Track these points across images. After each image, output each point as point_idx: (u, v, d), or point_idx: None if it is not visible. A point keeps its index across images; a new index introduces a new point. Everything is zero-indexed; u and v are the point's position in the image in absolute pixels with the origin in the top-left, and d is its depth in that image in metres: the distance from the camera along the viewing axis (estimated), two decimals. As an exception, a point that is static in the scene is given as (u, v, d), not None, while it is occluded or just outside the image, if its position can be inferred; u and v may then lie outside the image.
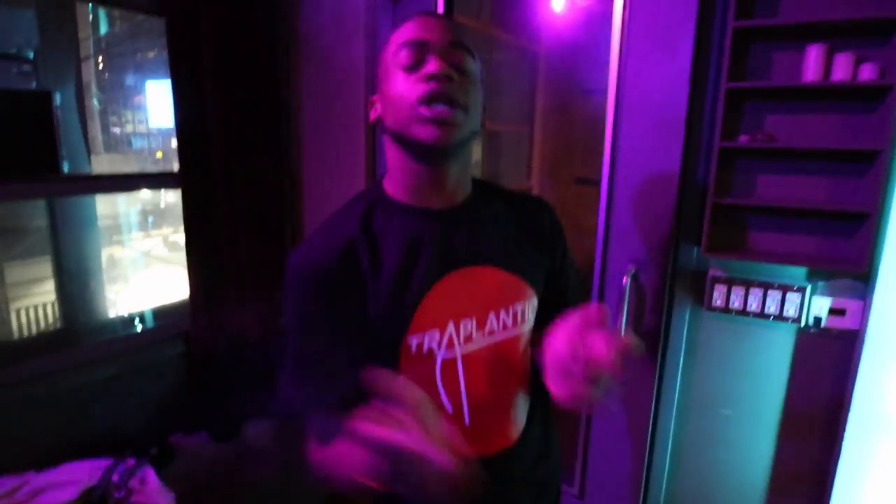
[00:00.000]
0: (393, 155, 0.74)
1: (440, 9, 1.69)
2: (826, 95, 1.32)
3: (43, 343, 1.77)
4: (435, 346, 0.70)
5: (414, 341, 0.70)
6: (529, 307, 0.77)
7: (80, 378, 1.60)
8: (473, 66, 0.72)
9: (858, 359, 1.34)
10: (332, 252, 0.70)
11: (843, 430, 1.38)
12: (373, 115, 0.75)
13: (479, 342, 0.73)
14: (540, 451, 0.85)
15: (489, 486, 0.63)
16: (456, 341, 0.71)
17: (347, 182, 1.93)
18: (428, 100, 0.66)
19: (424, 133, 0.66)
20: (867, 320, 1.32)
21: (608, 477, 1.68)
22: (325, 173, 1.99)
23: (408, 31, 0.70)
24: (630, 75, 1.44)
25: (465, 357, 0.72)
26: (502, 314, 0.74)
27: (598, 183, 1.54)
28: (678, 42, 1.37)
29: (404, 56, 0.69)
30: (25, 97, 1.57)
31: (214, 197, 1.75)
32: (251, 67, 1.79)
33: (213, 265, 1.78)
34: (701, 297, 1.51)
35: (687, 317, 1.54)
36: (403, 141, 0.70)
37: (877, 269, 1.29)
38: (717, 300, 1.48)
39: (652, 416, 1.59)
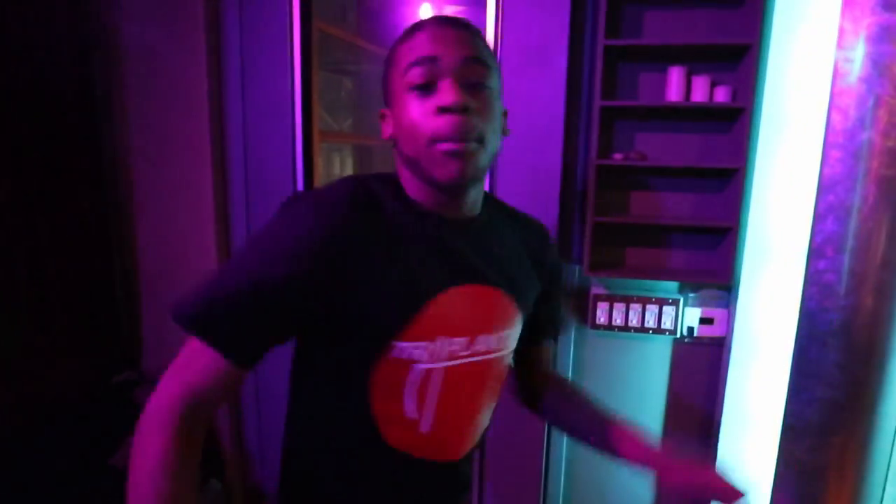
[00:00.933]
0: (408, 172, 0.66)
1: (296, 12, 1.49)
2: (688, 115, 1.37)
3: None
4: (417, 356, 0.65)
5: (399, 347, 0.64)
6: (515, 332, 0.75)
7: None
8: (494, 80, 0.64)
9: (727, 363, 1.42)
10: (352, 222, 0.61)
11: (718, 428, 1.45)
12: (385, 133, 0.68)
13: (463, 360, 0.69)
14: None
15: (435, 482, 0.73)
16: (442, 355, 0.67)
17: (191, 206, 1.63)
18: (444, 139, 0.59)
19: (441, 173, 0.60)
20: (732, 327, 1.40)
21: (507, 495, 1.61)
22: (164, 200, 1.66)
23: (418, 46, 0.61)
24: (505, 91, 1.37)
25: (446, 370, 0.67)
26: (491, 337, 0.71)
27: None
28: (553, 57, 1.33)
29: (414, 75, 0.60)
30: None
31: (10, 242, 1.36)
32: (56, 77, 1.42)
33: (10, 315, 1.38)
34: (585, 315, 1.50)
35: (573, 336, 1.53)
36: (418, 170, 0.63)
37: (738, 279, 1.37)
38: (601, 317, 1.48)
39: (545, 437, 1.55)
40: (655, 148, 1.41)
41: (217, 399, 0.60)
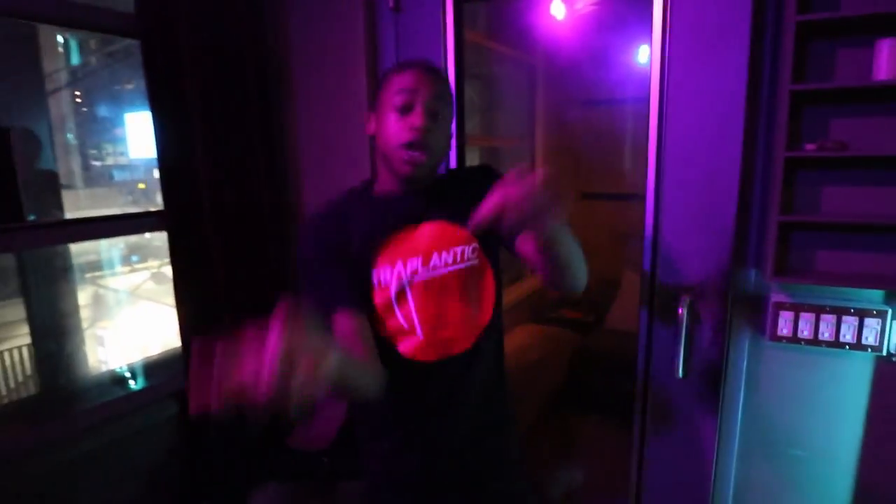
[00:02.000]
0: (381, 163, 0.99)
1: (449, 22, 1.53)
2: (902, 95, 1.16)
3: (19, 413, 1.55)
4: (386, 279, 0.96)
5: (375, 277, 0.96)
6: (470, 248, 0.99)
7: (64, 453, 1.39)
8: (448, 110, 0.96)
9: (952, 390, 1.18)
10: (329, 220, 1.02)
11: (936, 470, 1.22)
12: (369, 130, 0.98)
13: (425, 275, 0.97)
14: (491, 379, 1.07)
15: (447, 384, 1.01)
16: (405, 276, 0.96)
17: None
18: (409, 146, 0.91)
19: (402, 169, 0.93)
20: (962, 347, 1.16)
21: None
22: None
23: (405, 79, 0.92)
24: (675, 80, 1.28)
25: (412, 286, 0.96)
26: (444, 254, 0.97)
27: (606, 197, 1.38)
28: (731, 40, 1.21)
29: (399, 100, 0.91)
30: (-18, 136, 1.37)
31: (205, 237, 1.56)
32: (239, 90, 1.61)
33: (206, 314, 1.57)
34: (761, 325, 1.35)
35: (747, 348, 1.38)
36: (387, 164, 0.96)
37: (972, 289, 1.13)
38: (783, 329, 1.31)
39: (715, 459, 1.41)
40: (856, 136, 1.21)
41: (368, 337, 0.95)
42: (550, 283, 0.92)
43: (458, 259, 0.98)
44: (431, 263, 0.97)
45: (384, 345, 0.96)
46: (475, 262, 1.00)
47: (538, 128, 3.48)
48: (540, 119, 3.46)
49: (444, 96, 0.94)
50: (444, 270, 0.98)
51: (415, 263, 0.96)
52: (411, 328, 0.97)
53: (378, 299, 0.95)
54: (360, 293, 0.95)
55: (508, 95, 3.36)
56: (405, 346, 0.98)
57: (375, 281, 0.95)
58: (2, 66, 1.52)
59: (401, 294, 0.96)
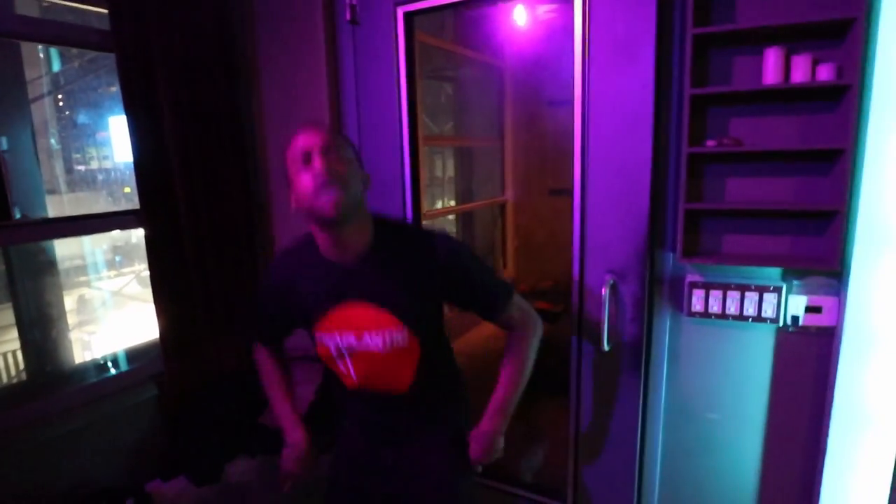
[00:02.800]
0: (311, 226, 1.08)
1: (400, 32, 1.67)
2: (787, 97, 1.33)
3: (8, 397, 1.68)
4: (327, 343, 1.13)
5: (317, 336, 1.14)
6: (397, 335, 1.10)
7: (49, 431, 1.53)
8: (347, 152, 1.04)
9: (837, 355, 1.35)
10: (273, 289, 1.19)
11: (828, 426, 1.39)
12: (293, 206, 1.05)
13: (359, 347, 1.12)
14: (428, 412, 1.26)
15: (386, 419, 1.24)
16: (341, 345, 1.12)
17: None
18: (319, 189, 0.98)
19: (323, 212, 0.99)
20: (843, 316, 1.33)
21: (600, 489, 1.66)
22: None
23: (297, 143, 1.02)
24: (595, 85, 1.44)
25: (350, 354, 1.13)
26: (374, 335, 1.10)
27: (571, 193, 1.54)
28: (640, 50, 1.37)
29: (299, 158, 1.01)
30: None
31: (180, 232, 1.70)
32: (210, 97, 1.75)
33: (182, 303, 1.71)
34: (680, 303, 1.51)
35: (668, 324, 1.54)
36: (312, 216, 1.02)
37: (849, 266, 1.30)
38: (697, 305, 1.48)
39: (640, 425, 1.57)
40: (752, 133, 1.38)
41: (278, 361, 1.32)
42: None
43: (387, 342, 1.10)
44: (364, 340, 1.11)
45: (333, 376, 1.21)
46: (402, 344, 1.11)
47: (507, 127, 3.64)
48: (509, 119, 3.62)
49: (337, 140, 1.02)
50: (373, 349, 1.11)
51: (349, 338, 1.11)
52: (349, 376, 1.16)
53: (321, 350, 1.15)
54: (285, 330, 1.26)
55: (479, 97, 3.51)
56: (348, 382, 1.18)
57: (318, 338, 1.13)
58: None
59: (339, 354, 1.14)
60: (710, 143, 1.37)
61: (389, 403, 1.21)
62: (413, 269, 1.10)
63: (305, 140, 1.01)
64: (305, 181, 0.99)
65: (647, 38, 1.36)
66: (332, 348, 1.13)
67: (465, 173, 3.59)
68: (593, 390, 1.61)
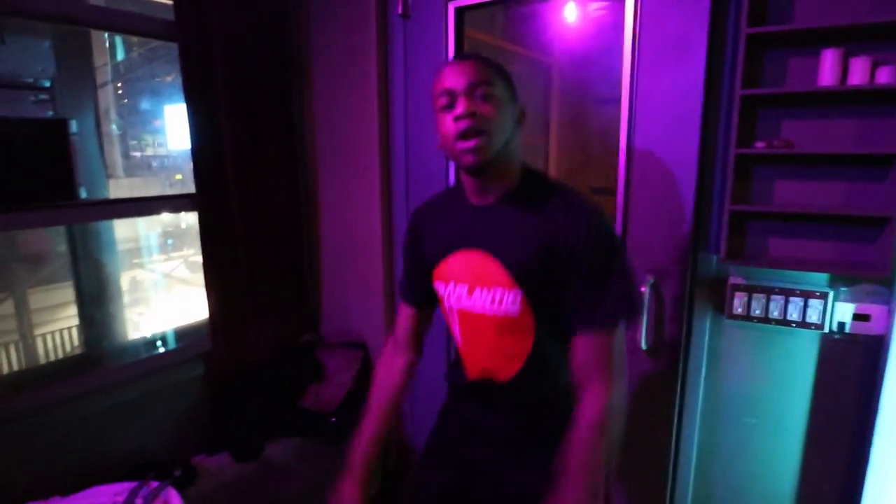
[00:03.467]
0: (457, 170, 1.01)
1: (450, 27, 1.70)
2: (843, 100, 1.31)
3: (66, 368, 1.79)
4: (441, 292, 1.04)
5: (436, 284, 1.06)
6: (508, 297, 0.96)
7: (102, 402, 1.62)
8: (497, 89, 0.92)
9: (885, 364, 1.32)
10: (420, 213, 1.14)
11: (872, 437, 1.36)
12: (438, 145, 0.98)
13: (468, 305, 1.00)
14: (531, 421, 1.05)
15: (474, 405, 1.09)
16: (453, 296, 1.02)
17: (364, 197, 1.94)
18: (460, 136, 0.90)
19: (464, 160, 0.92)
20: (893, 325, 1.30)
21: (632, 489, 1.66)
22: (340, 189, 2.00)
23: (441, 81, 0.93)
24: (643, 84, 1.44)
25: (458, 310, 1.03)
26: (484, 291, 0.97)
27: (614, 192, 1.54)
28: (691, 49, 1.36)
29: (441, 102, 0.93)
30: (42, 125, 1.60)
31: (231, 217, 1.77)
32: (264, 87, 1.81)
33: (230, 285, 1.79)
34: (721, 305, 1.50)
35: (708, 325, 1.53)
36: (456, 163, 0.96)
37: (902, 274, 1.27)
38: (738, 308, 1.47)
39: (675, 426, 1.57)
40: (805, 136, 1.36)
41: (413, 329, 1.17)
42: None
43: (497, 302, 0.96)
44: (473, 296, 0.98)
45: (452, 335, 1.09)
46: (514, 312, 0.95)
47: (553, 125, 3.63)
48: (554, 116, 3.62)
49: (488, 78, 0.91)
50: (481, 310, 0.98)
51: (461, 290, 1.00)
52: (457, 338, 1.06)
53: (440, 303, 1.06)
54: (427, 287, 1.08)
55: (525, 94, 3.50)
56: (458, 347, 1.08)
57: (435, 287, 1.05)
58: (60, 62, 1.74)
59: (450, 309, 1.03)
60: (760, 144, 1.36)
61: (489, 393, 1.04)
62: (544, 225, 0.93)
63: (450, 79, 0.91)
64: (448, 125, 0.91)
65: (699, 37, 1.35)
66: (445, 300, 1.03)
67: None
68: (629, 388, 1.61)
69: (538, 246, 0.93)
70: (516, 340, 0.98)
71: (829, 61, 1.28)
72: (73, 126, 1.56)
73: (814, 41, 1.31)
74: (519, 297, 0.95)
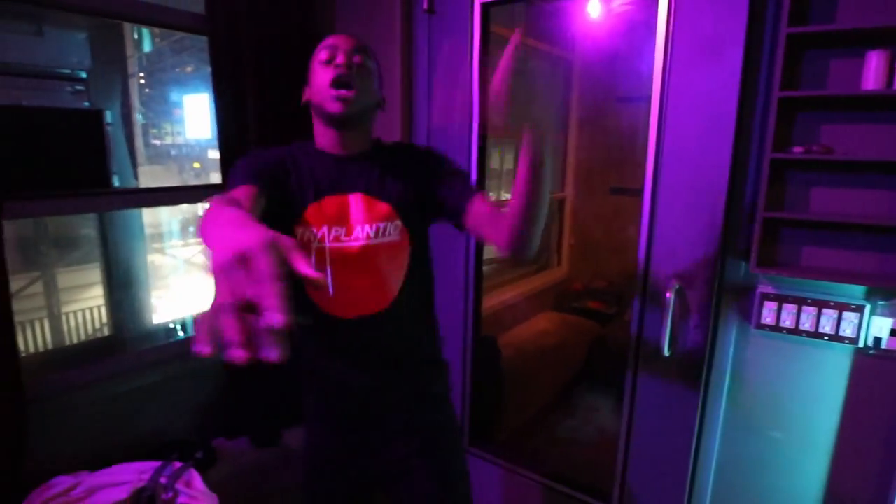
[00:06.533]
0: (316, 123, 1.09)
1: (476, 23, 1.68)
2: (888, 105, 1.24)
3: (94, 350, 1.85)
4: (308, 238, 1.03)
5: (298, 230, 1.04)
6: (392, 226, 1.06)
7: (128, 383, 1.67)
8: (371, 63, 1.07)
9: (923, 383, 1.26)
10: (270, 155, 1.08)
11: (906, 457, 1.30)
12: (304, 98, 1.09)
13: (347, 244, 1.04)
14: (411, 330, 1.15)
15: (361, 337, 1.10)
16: (327, 237, 1.03)
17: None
18: (334, 83, 1.00)
19: (332, 108, 1.01)
20: (933, 343, 1.24)
21: (648, 496, 1.63)
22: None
23: (329, 40, 1.05)
24: (675, 83, 1.40)
25: (330, 250, 1.03)
26: (366, 227, 1.04)
27: (634, 193, 1.50)
28: (727, 48, 1.31)
29: (323, 55, 1.03)
30: (79, 115, 1.65)
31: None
32: (290, 81, 1.82)
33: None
34: (749, 314, 1.45)
35: (734, 335, 1.48)
36: (321, 113, 1.05)
37: (945, 289, 1.21)
38: (767, 318, 1.42)
39: (696, 436, 1.53)
40: (845, 141, 1.30)
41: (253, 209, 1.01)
42: (512, 237, 0.97)
43: (381, 233, 1.04)
44: (354, 234, 1.03)
45: (300, 291, 0.85)
46: (395, 237, 1.06)
47: (572, 122, 3.57)
48: (574, 114, 3.55)
49: (366, 51, 1.05)
50: (363, 242, 1.03)
51: (338, 231, 1.03)
52: (326, 290, 1.05)
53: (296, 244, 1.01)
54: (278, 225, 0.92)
55: (545, 91, 3.45)
56: (317, 298, 1.06)
57: (299, 234, 1.03)
58: (95, 54, 1.79)
59: (319, 255, 1.03)
60: (797, 149, 1.30)
61: (367, 329, 1.08)
62: (404, 164, 1.10)
63: (335, 40, 1.04)
64: (324, 75, 1.01)
65: (737, 37, 1.30)
66: (314, 247, 1.03)
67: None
68: (649, 395, 1.58)
69: (409, 182, 1.09)
70: (395, 265, 1.08)
71: (874, 63, 1.22)
72: (108, 117, 1.60)
73: (858, 42, 1.24)
74: (399, 224, 1.07)
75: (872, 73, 1.22)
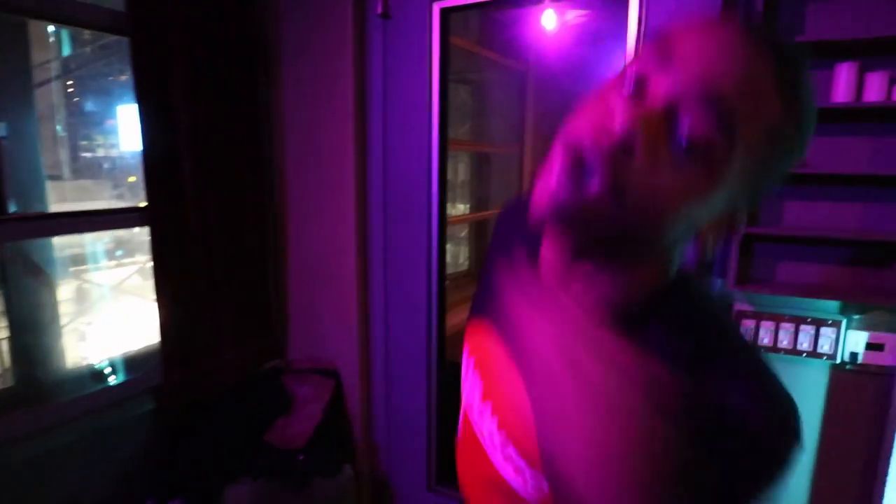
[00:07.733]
0: None
1: (435, 28, 1.57)
2: (858, 117, 1.23)
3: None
4: (463, 361, 0.68)
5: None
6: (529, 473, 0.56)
7: (37, 445, 1.40)
8: None
9: (900, 397, 1.25)
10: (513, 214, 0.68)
11: (885, 473, 1.28)
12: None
13: (476, 414, 0.64)
14: None
15: None
16: (466, 379, 0.67)
17: (337, 209, 1.77)
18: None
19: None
20: (909, 357, 1.23)
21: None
22: (311, 200, 1.83)
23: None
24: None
25: (465, 406, 0.67)
26: (490, 418, 0.60)
27: None
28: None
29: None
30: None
31: (187, 233, 1.58)
32: (227, 88, 1.63)
33: (186, 309, 1.59)
34: (726, 332, 1.40)
35: (711, 354, 1.43)
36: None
37: (919, 302, 1.20)
38: (746, 337, 1.37)
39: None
40: (817, 155, 1.28)
41: None
42: None
43: (509, 462, 0.53)
44: (486, 410, 0.58)
45: None
46: (531, 496, 0.51)
47: (528, 133, 3.54)
48: (530, 125, 3.52)
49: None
50: (487, 445, 0.57)
51: (475, 382, 0.61)
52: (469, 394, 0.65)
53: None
54: None
55: (499, 102, 3.41)
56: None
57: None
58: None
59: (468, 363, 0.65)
60: (771, 162, 1.27)
61: None
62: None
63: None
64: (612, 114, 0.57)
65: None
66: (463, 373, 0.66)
67: (482, 179, 3.49)
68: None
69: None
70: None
71: (843, 76, 1.20)
72: (2, 129, 1.35)
73: (827, 54, 1.23)
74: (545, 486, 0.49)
75: (842, 85, 1.20)
